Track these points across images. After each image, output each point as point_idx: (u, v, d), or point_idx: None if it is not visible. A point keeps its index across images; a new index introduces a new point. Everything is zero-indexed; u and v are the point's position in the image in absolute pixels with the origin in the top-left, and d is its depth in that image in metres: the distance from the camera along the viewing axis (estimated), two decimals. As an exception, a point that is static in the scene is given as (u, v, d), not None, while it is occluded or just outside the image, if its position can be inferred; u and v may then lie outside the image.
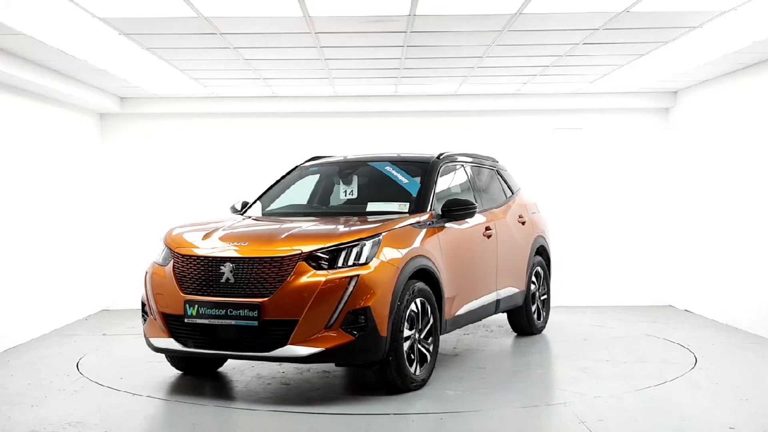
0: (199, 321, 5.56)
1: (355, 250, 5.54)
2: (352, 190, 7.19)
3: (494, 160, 8.33)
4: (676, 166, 10.59)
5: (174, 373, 6.64)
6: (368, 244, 5.59)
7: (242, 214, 7.10)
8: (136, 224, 10.66)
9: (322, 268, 5.45)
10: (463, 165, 7.45)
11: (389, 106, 10.67)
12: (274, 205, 7.23)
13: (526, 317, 8.11)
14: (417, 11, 6.18)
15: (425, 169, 6.85)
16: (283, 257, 5.47)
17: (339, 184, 7.37)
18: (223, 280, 5.57)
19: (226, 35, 6.92)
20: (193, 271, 5.71)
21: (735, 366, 6.90)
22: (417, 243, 5.98)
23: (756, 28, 6.69)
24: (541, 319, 8.39)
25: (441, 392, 5.87)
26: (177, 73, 8.73)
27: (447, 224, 6.51)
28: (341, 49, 7.60)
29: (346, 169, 7.41)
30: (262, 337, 5.42)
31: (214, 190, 10.56)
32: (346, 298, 5.36)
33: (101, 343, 7.88)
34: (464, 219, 6.67)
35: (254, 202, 7.44)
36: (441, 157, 7.10)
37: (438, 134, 10.69)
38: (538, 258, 8.30)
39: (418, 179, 6.78)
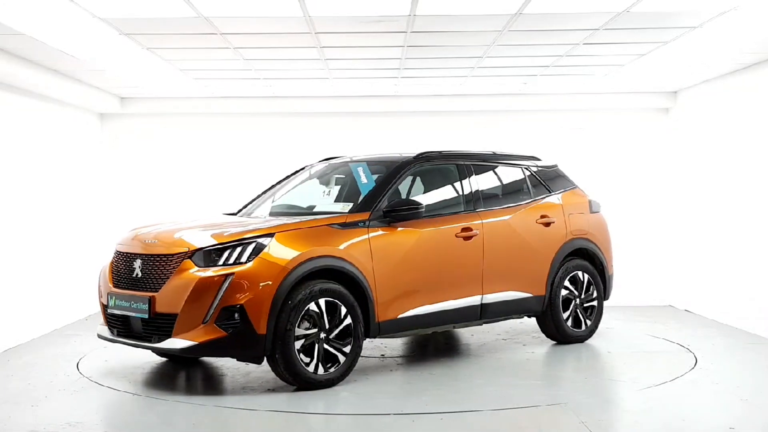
0: (116, 312, 6.13)
1: (237, 250, 5.77)
2: (329, 191, 7.28)
3: (531, 159, 7.98)
4: (676, 166, 10.59)
5: (174, 373, 6.65)
6: (251, 244, 5.79)
7: (236, 215, 7.33)
8: (136, 224, 10.64)
9: (207, 266, 5.73)
10: (455, 164, 7.22)
11: (390, 105, 10.67)
12: (278, 203, 7.40)
13: (553, 324, 7.60)
14: (417, 11, 6.18)
15: (390, 169, 6.85)
16: (172, 255, 5.88)
17: (321, 184, 7.46)
18: (134, 275, 6.06)
19: (226, 35, 6.92)
20: (118, 266, 6.32)
21: (735, 366, 6.90)
22: (328, 243, 6.05)
23: (756, 28, 6.69)
24: (583, 327, 7.80)
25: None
26: (177, 73, 8.73)
27: (394, 224, 6.45)
28: (341, 49, 7.60)
29: (329, 170, 7.52)
30: (154, 329, 5.84)
31: (214, 190, 10.56)
32: (220, 295, 5.58)
33: (101, 343, 7.87)
34: (409, 219, 6.50)
35: (250, 202, 7.59)
36: (418, 156, 7.01)
37: (439, 133, 10.69)
38: (577, 261, 7.74)
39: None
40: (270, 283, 5.68)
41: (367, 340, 7.58)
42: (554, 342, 7.81)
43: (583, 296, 7.81)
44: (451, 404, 5.57)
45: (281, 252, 5.80)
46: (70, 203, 9.75)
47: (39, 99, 8.85)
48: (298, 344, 5.79)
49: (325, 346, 5.95)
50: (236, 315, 5.59)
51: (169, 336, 5.69)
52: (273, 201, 7.47)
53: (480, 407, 5.49)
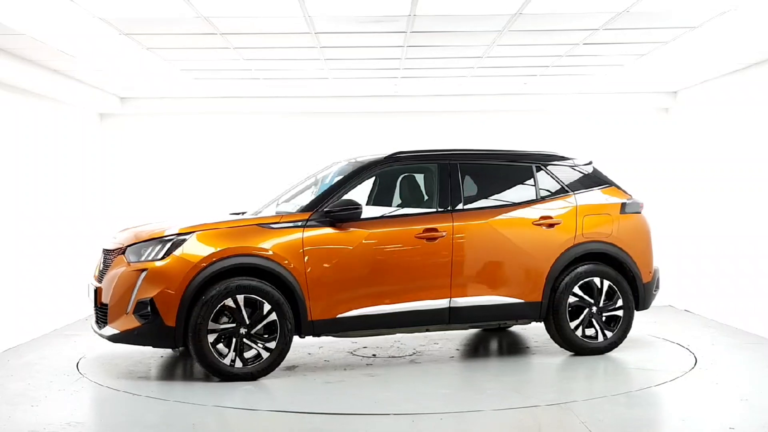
0: (90, 301, 6.67)
1: (157, 247, 6.22)
2: (315, 192, 7.31)
3: (546, 157, 7.38)
4: (676, 166, 10.60)
5: (174, 373, 6.65)
6: (169, 242, 6.20)
7: (242, 214, 7.35)
8: (135, 223, 10.64)
9: (134, 262, 6.25)
10: (437, 164, 6.98)
11: (390, 105, 10.68)
12: (288, 202, 7.45)
13: (557, 334, 7.08)
14: (417, 11, 6.18)
15: (354, 169, 6.86)
16: (112, 250, 6.52)
17: (312, 185, 7.51)
18: (100, 269, 6.64)
19: (226, 35, 6.92)
20: (100, 261, 6.82)
21: (735, 366, 6.90)
22: (250, 242, 6.25)
23: (756, 28, 6.69)
24: (600, 338, 7.12)
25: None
26: (177, 73, 8.73)
27: (340, 225, 6.45)
28: (341, 49, 7.60)
29: (321, 171, 7.57)
30: (101, 317, 6.39)
31: (214, 190, 10.57)
32: (136, 288, 6.10)
33: (101, 343, 7.87)
34: (349, 220, 6.47)
35: (268, 204, 7.63)
36: (389, 157, 6.93)
37: (439, 133, 10.70)
38: (593, 266, 7.09)
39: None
40: (180, 278, 6.06)
41: (382, 338, 7.65)
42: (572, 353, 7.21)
43: (601, 305, 7.13)
44: (451, 404, 5.57)
45: (196, 250, 6.16)
46: (70, 203, 9.75)
47: (39, 99, 8.85)
48: (211, 337, 6.10)
49: (245, 341, 6.19)
50: (148, 307, 6.04)
51: (107, 324, 6.29)
52: (278, 201, 7.47)
53: (480, 407, 5.49)
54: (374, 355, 7.27)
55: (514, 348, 7.66)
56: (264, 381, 6.28)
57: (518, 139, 10.71)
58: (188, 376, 6.57)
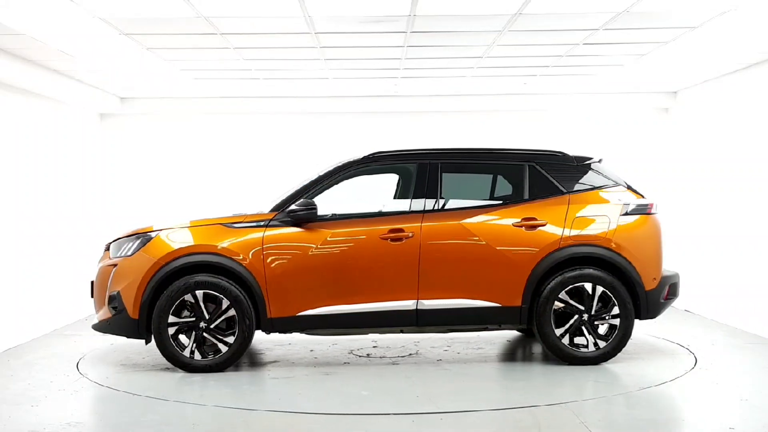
0: None
1: (129, 244, 6.64)
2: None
3: (543, 156, 6.92)
4: (676, 166, 10.60)
5: (174, 373, 6.65)
6: (139, 239, 6.62)
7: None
8: (137, 224, 10.65)
9: (112, 257, 6.70)
10: (417, 164, 6.82)
11: (390, 105, 10.69)
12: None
13: (541, 339, 6.70)
14: (417, 11, 6.18)
15: (330, 169, 6.88)
16: (105, 245, 6.94)
17: None
18: None
19: (226, 35, 6.93)
20: None
21: (735, 366, 6.89)
22: (210, 240, 6.55)
23: (755, 28, 6.69)
24: (591, 347, 6.70)
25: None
26: (177, 73, 8.74)
27: (306, 225, 6.54)
28: (341, 49, 7.60)
29: (325, 170, 7.59)
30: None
31: (215, 190, 10.58)
32: (109, 282, 6.56)
33: (101, 343, 7.87)
34: (309, 221, 6.55)
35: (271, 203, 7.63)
36: (366, 157, 6.87)
37: (438, 133, 10.72)
38: (584, 271, 6.63)
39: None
40: (143, 274, 6.44)
41: (376, 336, 7.63)
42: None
43: (593, 312, 6.67)
44: (451, 404, 5.57)
45: (160, 247, 6.52)
46: (70, 203, 9.75)
47: (39, 99, 8.86)
48: (171, 330, 6.48)
49: (205, 334, 6.51)
50: (116, 300, 6.49)
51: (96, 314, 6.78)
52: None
53: (480, 407, 5.49)
54: (369, 354, 7.27)
55: (508, 349, 7.66)
56: (262, 381, 6.28)
57: (518, 139, 10.72)
58: (188, 376, 6.57)
